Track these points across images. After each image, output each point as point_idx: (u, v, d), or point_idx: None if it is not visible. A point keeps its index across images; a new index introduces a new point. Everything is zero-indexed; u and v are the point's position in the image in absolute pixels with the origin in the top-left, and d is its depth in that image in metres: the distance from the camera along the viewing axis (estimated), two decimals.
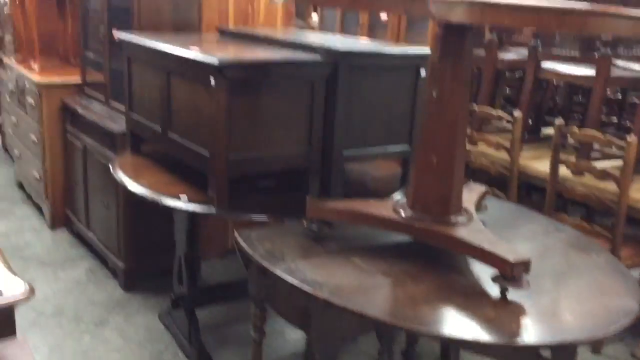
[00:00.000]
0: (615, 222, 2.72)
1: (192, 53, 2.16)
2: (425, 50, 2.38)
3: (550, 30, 2.05)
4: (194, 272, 2.67)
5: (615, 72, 3.09)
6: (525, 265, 1.60)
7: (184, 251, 2.61)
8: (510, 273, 1.59)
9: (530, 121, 3.74)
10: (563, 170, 2.98)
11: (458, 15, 1.27)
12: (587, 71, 3.02)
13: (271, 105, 2.18)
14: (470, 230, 1.76)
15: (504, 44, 3.77)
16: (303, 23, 5.51)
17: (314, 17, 5.43)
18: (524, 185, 3.98)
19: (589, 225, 2.82)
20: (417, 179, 1.87)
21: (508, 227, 2.11)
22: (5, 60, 4.55)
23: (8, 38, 4.68)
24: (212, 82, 2.05)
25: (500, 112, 3.19)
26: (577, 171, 2.89)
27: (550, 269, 1.83)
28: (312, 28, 5.31)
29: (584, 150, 3.03)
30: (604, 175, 2.74)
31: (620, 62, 3.23)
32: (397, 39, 4.24)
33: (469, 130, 3.47)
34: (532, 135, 3.67)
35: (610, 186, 2.76)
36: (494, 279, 1.63)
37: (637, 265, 2.87)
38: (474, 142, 3.42)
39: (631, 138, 2.61)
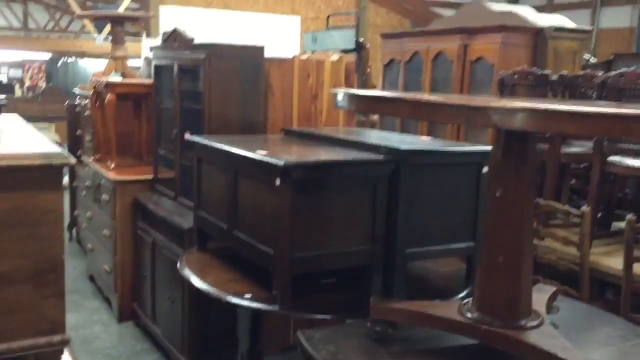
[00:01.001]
0: None
1: (258, 155, 2.25)
2: (485, 147, 2.40)
3: (616, 136, 2.03)
4: None
5: None
6: None
7: (246, 348, 2.60)
8: None
9: (599, 214, 3.63)
10: (638, 268, 2.85)
11: (519, 123, 1.29)
12: None
13: (334, 204, 2.23)
14: (542, 334, 1.69)
15: (567, 138, 3.74)
16: (364, 118, 5.66)
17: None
18: (597, 282, 3.81)
19: None
20: (483, 280, 1.83)
21: (582, 330, 2.02)
22: (84, 158, 4.85)
23: (87, 138, 5.02)
24: (278, 182, 2.12)
25: (567, 207, 3.11)
26: None
27: None
28: (372, 123, 5.44)
29: None
30: None
31: None
32: (457, 135, 4.29)
33: (535, 225, 3.40)
34: (602, 230, 3.55)
35: None
36: None
37: None
38: (540, 237, 3.33)
39: None
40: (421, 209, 2.34)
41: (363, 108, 1.60)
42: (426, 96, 1.41)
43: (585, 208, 3.01)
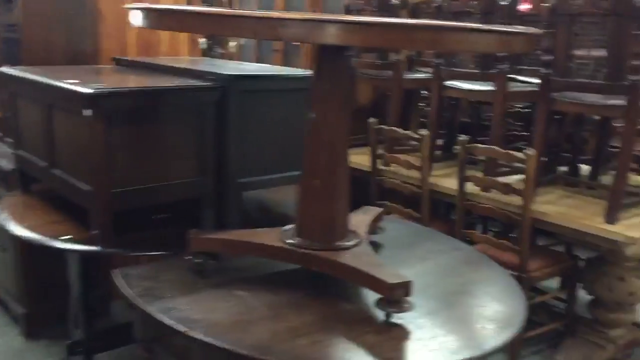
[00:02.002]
0: (521, 235, 2.73)
1: (67, 84, 2.05)
2: None
3: (401, 48, 2.04)
4: (91, 315, 2.52)
5: (515, 87, 3.15)
6: (406, 288, 1.55)
7: (79, 293, 2.46)
8: (391, 296, 1.54)
9: (443, 139, 3.77)
10: (472, 187, 2.99)
11: (303, 35, 1.22)
12: (488, 87, 3.06)
13: (157, 135, 2.09)
14: (355, 254, 1.71)
15: (413, 64, 3.81)
16: (222, 50, 5.47)
17: (232, 45, 5.39)
18: (444, 204, 4.00)
19: (497, 240, 2.82)
20: (301, 205, 1.81)
21: (404, 247, 2.08)
22: None
23: None
24: (88, 112, 1.95)
25: (408, 132, 3.19)
26: (483, 187, 2.91)
27: (441, 289, 1.80)
28: (230, 56, 5.26)
29: (490, 166, 3.06)
30: (507, 189, 2.76)
31: (521, 77, 3.30)
32: (310, 63, 4.23)
33: (381, 151, 3.47)
34: (446, 153, 3.69)
35: (516, 200, 2.78)
36: (377, 304, 1.58)
37: (545, 277, 2.89)
38: (387, 164, 3.41)
39: (530, 151, 2.64)
40: (253, 137, 2.26)
41: (153, 24, 1.47)
42: (215, 9, 1.30)
43: (423, 132, 3.09)
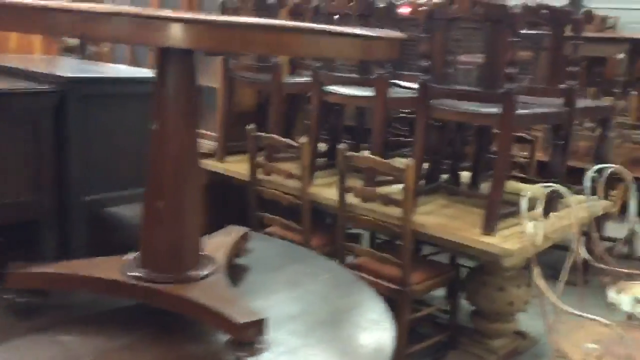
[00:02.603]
0: (402, 248, 2.61)
1: None
2: None
3: (239, 51, 1.88)
4: None
5: (396, 93, 3.04)
6: (258, 327, 1.35)
7: None
8: (241, 337, 1.33)
9: (328, 145, 3.62)
10: (353, 197, 2.85)
11: (93, 33, 0.99)
12: (369, 92, 2.94)
13: None
14: (204, 287, 1.49)
15: (296, 68, 3.64)
16: (97, 50, 5.07)
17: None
18: (329, 215, 3.85)
19: (379, 253, 2.70)
20: (144, 230, 1.56)
21: (270, 271, 1.88)
22: None
23: None
24: None
25: (287, 140, 3.00)
26: (363, 198, 2.78)
27: (305, 321, 1.61)
28: (103, 56, 4.88)
29: (370, 175, 2.93)
30: (386, 200, 2.64)
31: (403, 83, 3.21)
32: None
33: (262, 159, 3.27)
34: (330, 161, 3.54)
35: (396, 211, 2.66)
36: (227, 346, 1.36)
37: (428, 289, 2.80)
38: (267, 172, 3.21)
39: (408, 161, 2.53)
40: (100, 149, 1.99)
41: None
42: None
43: (303, 139, 2.92)
